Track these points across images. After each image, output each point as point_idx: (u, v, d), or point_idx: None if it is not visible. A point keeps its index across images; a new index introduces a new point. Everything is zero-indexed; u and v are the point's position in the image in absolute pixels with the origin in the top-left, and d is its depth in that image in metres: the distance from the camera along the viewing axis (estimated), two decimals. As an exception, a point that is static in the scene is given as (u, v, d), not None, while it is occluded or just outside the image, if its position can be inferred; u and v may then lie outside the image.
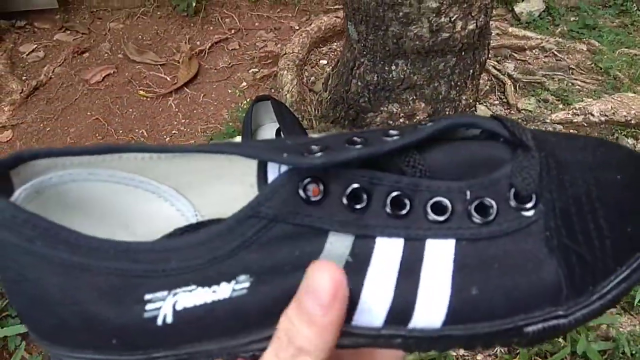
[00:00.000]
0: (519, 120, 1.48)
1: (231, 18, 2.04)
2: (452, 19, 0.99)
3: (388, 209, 0.23)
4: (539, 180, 0.24)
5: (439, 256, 0.23)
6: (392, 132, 0.25)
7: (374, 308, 0.23)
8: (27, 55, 1.89)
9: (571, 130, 1.45)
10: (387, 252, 0.23)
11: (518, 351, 0.97)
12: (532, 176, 0.24)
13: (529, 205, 0.24)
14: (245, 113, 1.11)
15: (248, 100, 1.65)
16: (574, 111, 1.45)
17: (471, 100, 1.21)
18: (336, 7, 2.02)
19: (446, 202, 0.24)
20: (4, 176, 0.24)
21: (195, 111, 1.65)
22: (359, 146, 0.24)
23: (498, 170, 0.24)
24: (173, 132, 1.58)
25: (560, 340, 0.98)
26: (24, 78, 1.78)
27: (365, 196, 0.23)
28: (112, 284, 0.23)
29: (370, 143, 0.24)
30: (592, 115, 1.42)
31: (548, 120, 1.46)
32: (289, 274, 0.23)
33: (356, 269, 0.23)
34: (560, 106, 1.53)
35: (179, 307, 0.23)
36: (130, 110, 1.66)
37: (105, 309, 0.23)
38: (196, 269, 0.23)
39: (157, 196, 0.30)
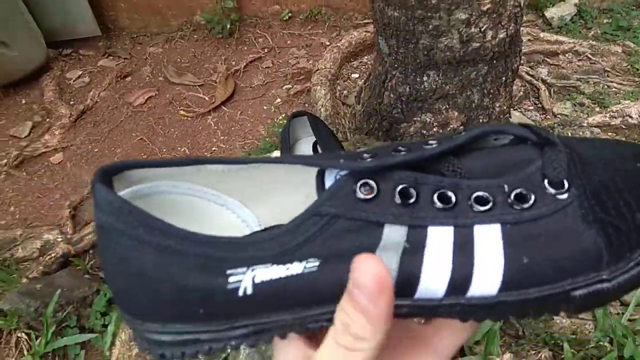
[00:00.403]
0: (556, 125, 1.47)
1: (264, 37, 2.11)
2: (482, 29, 1.01)
3: (436, 203, 0.27)
4: (568, 169, 0.27)
5: (488, 237, 0.26)
6: (431, 141, 0.29)
7: (434, 282, 0.26)
8: (73, 81, 2.00)
9: (609, 134, 1.43)
10: (440, 237, 0.26)
11: (563, 356, 0.96)
12: (562, 166, 0.27)
13: (563, 190, 0.27)
14: (282, 128, 1.15)
15: (283, 115, 1.70)
16: (612, 114, 1.43)
17: (505, 107, 1.22)
18: (365, 21, 2.05)
19: (487, 195, 0.27)
20: (107, 181, 0.28)
21: (233, 128, 1.71)
22: (403, 153, 0.28)
23: (530, 166, 0.28)
24: (213, 149, 1.64)
25: (607, 344, 0.96)
26: (71, 103, 1.88)
27: (414, 193, 0.27)
28: (199, 263, 0.26)
29: (413, 150, 0.28)
30: (631, 117, 1.39)
31: (585, 124, 1.45)
32: (352, 258, 0.25)
33: (414, 252, 0.26)
34: (597, 109, 1.51)
35: (257, 280, 0.26)
36: (172, 129, 1.73)
37: (194, 281, 0.26)
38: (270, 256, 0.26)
39: (226, 208, 0.34)
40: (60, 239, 1.32)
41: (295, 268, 0.26)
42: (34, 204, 1.49)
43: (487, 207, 0.26)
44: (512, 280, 0.26)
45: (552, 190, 0.27)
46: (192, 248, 0.26)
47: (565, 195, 0.27)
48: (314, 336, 0.30)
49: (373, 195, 0.26)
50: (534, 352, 1.00)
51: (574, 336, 0.99)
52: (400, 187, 0.27)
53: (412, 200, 0.27)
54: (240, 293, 0.26)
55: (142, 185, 0.30)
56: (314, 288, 0.26)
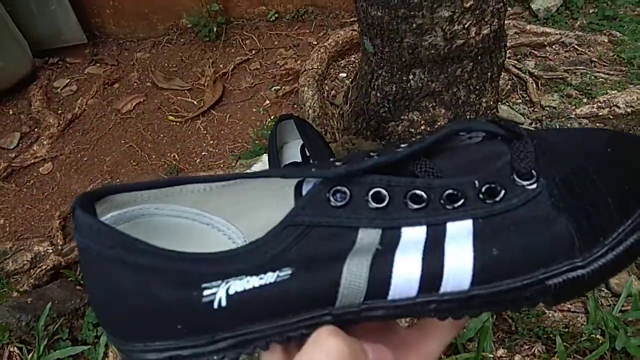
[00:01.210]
0: (544, 118, 1.47)
1: (251, 39, 2.10)
2: (466, 26, 1.00)
3: (409, 204, 0.27)
4: (536, 159, 0.28)
5: (459, 232, 0.27)
6: (402, 145, 0.30)
7: (406, 282, 0.26)
8: (61, 90, 1.99)
9: (597, 124, 1.43)
10: (413, 236, 0.27)
11: (556, 350, 0.96)
12: (529, 157, 0.28)
13: (531, 180, 0.27)
14: (269, 132, 1.14)
15: (272, 118, 1.69)
16: (599, 104, 1.43)
17: (492, 103, 1.21)
18: (352, 19, 2.05)
19: (458, 192, 0.27)
20: (88, 206, 0.28)
21: (222, 132, 1.70)
22: (374, 158, 0.28)
23: (499, 160, 0.28)
24: (203, 153, 1.63)
25: (599, 337, 0.96)
26: (59, 112, 1.87)
27: (386, 195, 0.27)
28: (175, 279, 0.27)
29: (384, 154, 0.29)
30: (618, 107, 1.39)
31: (573, 116, 1.45)
32: (327, 263, 0.26)
33: (385, 253, 0.27)
34: (585, 100, 1.51)
35: (231, 292, 0.27)
36: (162, 135, 1.72)
37: (170, 296, 0.27)
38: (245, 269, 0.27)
39: (211, 227, 0.34)
40: (50, 251, 1.31)
41: (269, 278, 0.26)
42: (24, 216, 1.48)
43: (458, 204, 0.27)
44: (483, 273, 0.26)
45: (521, 182, 0.27)
46: (168, 264, 0.27)
47: (534, 186, 0.27)
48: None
49: (346, 201, 0.27)
50: (527, 346, 1.00)
51: (566, 330, 1.00)
52: (372, 190, 0.27)
53: (385, 203, 0.27)
54: (215, 305, 0.27)
55: (125, 209, 0.31)
56: (287, 296, 0.27)
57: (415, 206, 0.27)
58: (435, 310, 0.27)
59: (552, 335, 0.99)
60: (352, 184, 0.28)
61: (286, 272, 0.27)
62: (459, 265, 0.26)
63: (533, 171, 0.27)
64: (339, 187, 0.27)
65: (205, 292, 0.27)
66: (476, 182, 0.28)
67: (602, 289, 1.07)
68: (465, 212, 0.27)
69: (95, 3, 2.13)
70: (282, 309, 0.27)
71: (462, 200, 0.27)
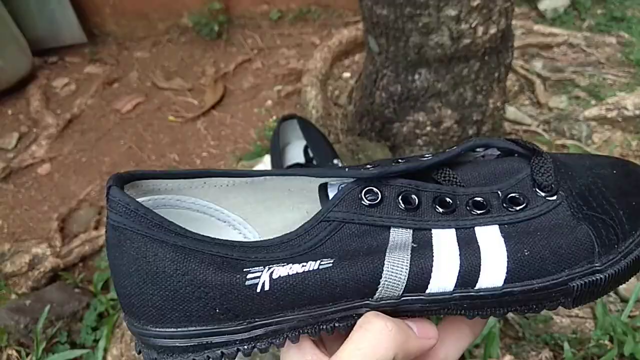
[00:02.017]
0: (552, 120, 1.45)
1: (253, 38, 2.08)
2: (473, 25, 0.98)
3: (437, 208, 0.29)
4: (555, 174, 0.30)
5: (489, 235, 0.29)
6: (426, 155, 0.32)
7: (445, 276, 0.28)
8: (60, 89, 1.97)
9: (606, 126, 1.41)
10: (444, 237, 0.29)
11: (564, 356, 0.94)
12: (549, 171, 0.30)
13: (552, 192, 0.30)
14: (272, 132, 1.12)
15: (274, 118, 1.67)
16: (607, 106, 1.41)
17: (499, 104, 1.19)
18: (356, 19, 2.03)
19: (483, 200, 0.30)
20: (121, 187, 0.29)
21: (223, 132, 1.68)
22: (402, 163, 0.30)
23: (519, 174, 0.31)
24: (203, 154, 1.61)
25: (607, 342, 0.95)
26: (58, 112, 1.85)
27: (415, 199, 0.29)
28: (218, 262, 0.27)
29: (411, 161, 0.31)
30: (626, 109, 1.37)
31: (581, 118, 1.43)
32: (366, 256, 0.28)
33: (423, 250, 0.28)
34: (593, 102, 1.49)
35: (275, 276, 0.27)
36: (162, 136, 1.70)
37: (212, 276, 0.27)
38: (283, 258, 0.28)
39: (228, 224, 0.35)
40: (49, 253, 1.29)
41: (311, 265, 0.28)
42: (22, 217, 1.46)
43: (484, 210, 0.29)
44: (515, 272, 0.28)
45: (542, 194, 0.30)
46: (210, 248, 0.27)
47: (554, 197, 0.29)
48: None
49: (377, 201, 0.29)
50: (534, 352, 0.99)
51: (574, 335, 0.98)
52: (402, 193, 0.29)
53: (414, 206, 0.29)
54: (259, 289, 0.27)
55: (149, 197, 0.31)
56: (330, 283, 0.28)
57: (444, 210, 0.29)
58: (467, 307, 0.29)
59: (559, 341, 0.97)
60: (382, 186, 0.29)
61: (328, 262, 0.28)
62: (494, 263, 0.28)
63: (552, 185, 0.30)
64: (371, 188, 0.29)
65: (249, 276, 0.27)
66: (499, 192, 0.30)
67: (610, 294, 1.05)
68: (492, 217, 0.29)
69: (94, 2, 2.11)
70: (323, 296, 0.28)
71: (487, 208, 0.29)
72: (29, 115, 1.83)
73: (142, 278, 0.27)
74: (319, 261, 0.28)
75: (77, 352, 1.10)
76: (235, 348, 0.28)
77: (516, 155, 0.33)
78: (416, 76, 1.11)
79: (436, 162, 0.31)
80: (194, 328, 0.28)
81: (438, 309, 0.29)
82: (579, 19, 1.90)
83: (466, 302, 0.29)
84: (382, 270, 0.28)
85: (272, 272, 0.27)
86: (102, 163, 1.62)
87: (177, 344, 0.28)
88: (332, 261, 0.28)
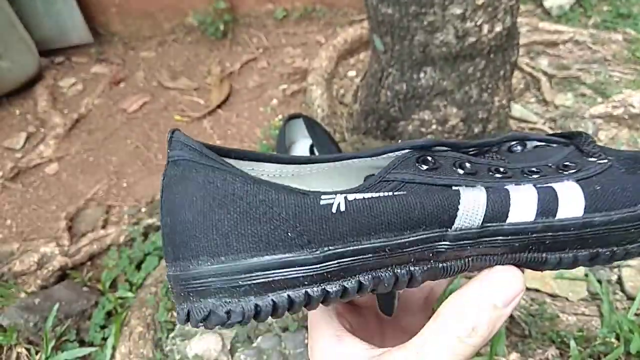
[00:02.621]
0: (557, 117, 1.44)
1: (258, 38, 2.08)
2: (478, 23, 0.98)
3: (494, 175, 0.30)
4: (599, 146, 0.32)
5: (560, 182, 0.29)
6: (465, 140, 0.32)
7: (524, 204, 0.28)
8: (67, 89, 1.98)
9: (612, 124, 1.41)
10: (517, 186, 0.29)
11: (570, 354, 0.94)
12: (594, 142, 0.32)
13: (602, 157, 0.31)
14: (277, 131, 1.13)
15: (280, 117, 1.67)
16: (614, 104, 1.41)
17: (504, 102, 1.19)
18: (361, 17, 2.03)
19: (536, 169, 0.30)
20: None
21: (229, 132, 1.69)
22: (450, 140, 0.31)
23: (565, 151, 0.32)
24: (209, 153, 1.62)
25: (613, 340, 0.95)
26: (65, 112, 1.86)
27: (470, 167, 0.29)
28: (289, 189, 0.27)
29: (456, 141, 0.31)
30: (633, 106, 1.37)
31: (587, 116, 1.42)
32: (443, 190, 0.28)
33: (499, 189, 0.29)
34: (599, 99, 1.48)
35: (350, 199, 0.27)
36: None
37: (285, 197, 0.26)
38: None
39: None
40: (57, 252, 1.31)
41: (385, 193, 0.27)
42: (31, 216, 1.48)
43: (539, 175, 0.30)
44: (592, 201, 0.28)
45: (592, 159, 0.31)
46: (282, 181, 0.28)
47: (605, 160, 0.30)
48: (353, 309, 0.32)
49: (434, 167, 0.29)
50: (540, 350, 0.99)
51: (580, 333, 0.98)
52: (457, 161, 0.29)
53: (473, 171, 0.29)
54: (334, 209, 0.26)
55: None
56: (407, 206, 0.27)
57: (501, 175, 0.29)
58: (550, 243, 0.29)
59: (566, 339, 0.97)
60: (437, 156, 0.29)
61: (401, 191, 0.27)
62: (571, 193, 0.28)
63: (600, 152, 0.31)
64: (426, 157, 0.29)
65: (323, 197, 0.26)
66: (550, 164, 0.31)
67: (617, 292, 1.05)
68: (550, 178, 0.30)
69: (101, 2, 2.12)
70: (399, 221, 0.27)
71: (542, 173, 0.30)
72: (37, 115, 1.84)
73: (209, 203, 0.26)
74: (392, 191, 0.27)
75: (86, 350, 1.11)
76: (304, 291, 0.26)
77: (555, 146, 0.33)
78: (421, 74, 1.11)
79: (483, 143, 0.31)
80: (261, 258, 0.25)
81: (520, 245, 0.29)
82: (584, 16, 1.90)
83: (548, 235, 0.28)
84: (460, 197, 0.28)
85: (346, 196, 0.27)
86: (110, 162, 1.63)
87: (240, 283, 0.25)
88: (405, 192, 0.27)
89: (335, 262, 0.26)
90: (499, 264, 0.29)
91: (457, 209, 0.27)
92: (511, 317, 1.02)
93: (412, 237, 0.27)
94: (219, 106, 1.78)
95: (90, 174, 1.59)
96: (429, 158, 0.29)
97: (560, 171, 0.30)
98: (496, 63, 1.09)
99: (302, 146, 1.11)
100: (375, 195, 0.27)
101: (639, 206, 0.29)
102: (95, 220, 1.43)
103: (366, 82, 1.31)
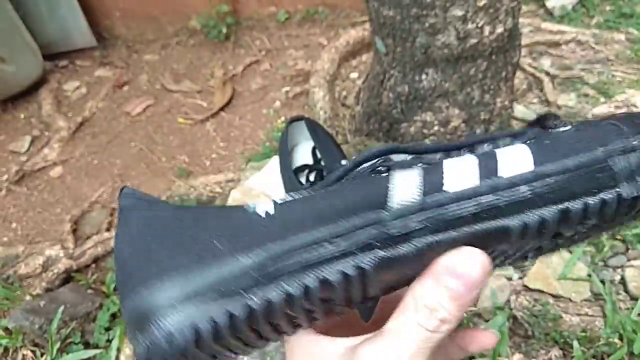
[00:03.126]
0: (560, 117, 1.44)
1: (261, 40, 2.09)
2: (479, 25, 0.99)
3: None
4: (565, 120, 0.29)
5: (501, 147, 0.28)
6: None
7: (462, 169, 0.26)
8: (71, 93, 1.99)
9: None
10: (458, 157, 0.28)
11: (573, 354, 0.94)
12: (557, 117, 0.29)
13: (564, 124, 0.28)
14: (280, 134, 1.13)
15: (282, 119, 1.68)
16: (616, 104, 1.40)
17: (506, 102, 1.19)
18: (363, 19, 2.03)
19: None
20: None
21: (232, 134, 1.69)
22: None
23: (528, 132, 0.29)
24: (213, 156, 1.63)
25: (617, 341, 0.94)
26: (69, 115, 1.87)
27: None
28: (220, 206, 0.30)
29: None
30: (635, 106, 1.37)
31: (590, 116, 1.42)
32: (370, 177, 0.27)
33: (434, 164, 0.27)
34: (602, 99, 1.48)
35: (279, 202, 0.27)
36: (171, 138, 1.72)
37: (215, 213, 0.28)
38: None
39: None
40: (62, 255, 1.31)
41: (317, 190, 0.27)
42: (36, 219, 1.49)
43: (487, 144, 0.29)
44: (541, 153, 0.25)
45: (558, 129, 0.27)
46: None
47: (568, 127, 0.27)
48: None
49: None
50: (543, 351, 0.99)
51: (583, 334, 0.98)
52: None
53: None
54: (263, 214, 0.26)
55: None
56: (337, 196, 0.26)
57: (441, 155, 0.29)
58: (506, 208, 0.25)
59: (569, 340, 0.97)
60: (391, 164, 0.28)
61: (333, 188, 0.27)
62: (516, 151, 0.26)
63: (562, 121, 0.28)
64: (381, 166, 0.28)
65: (250, 205, 0.26)
66: (508, 139, 0.29)
67: (620, 292, 1.05)
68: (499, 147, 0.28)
69: (104, 6, 2.13)
70: (331, 210, 0.25)
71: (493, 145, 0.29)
72: (41, 118, 1.86)
73: (144, 236, 0.26)
74: (323, 190, 0.27)
75: (91, 352, 1.11)
76: (244, 302, 0.24)
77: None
78: (423, 76, 1.11)
79: (451, 146, 0.29)
80: (210, 269, 0.24)
81: (475, 215, 0.25)
82: (587, 16, 1.89)
83: (500, 196, 0.25)
84: (390, 176, 0.26)
85: (275, 200, 0.26)
86: (114, 165, 1.64)
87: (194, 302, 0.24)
88: (336, 187, 0.27)
89: (271, 263, 0.24)
90: (458, 245, 0.26)
91: (387, 187, 0.26)
92: (514, 317, 1.02)
93: (347, 223, 0.25)
94: (222, 109, 1.79)
95: (94, 176, 1.61)
96: (382, 168, 0.28)
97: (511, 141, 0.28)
98: (498, 64, 1.09)
99: (304, 149, 1.12)
100: (307, 194, 0.27)
101: (599, 149, 0.25)
102: (100, 222, 1.44)
103: (368, 84, 1.31)
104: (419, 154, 0.29)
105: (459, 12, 0.96)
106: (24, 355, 1.13)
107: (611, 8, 1.91)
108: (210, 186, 1.44)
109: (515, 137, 0.29)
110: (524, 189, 0.25)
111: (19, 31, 1.87)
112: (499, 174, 0.25)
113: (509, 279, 1.08)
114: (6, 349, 1.14)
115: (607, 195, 0.25)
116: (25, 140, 1.76)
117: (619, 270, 1.08)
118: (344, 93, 1.69)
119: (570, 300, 1.04)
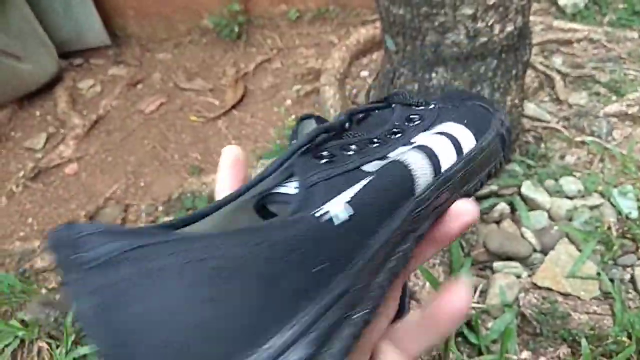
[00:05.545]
0: (571, 116, 1.44)
1: (272, 38, 2.10)
2: (489, 24, 0.99)
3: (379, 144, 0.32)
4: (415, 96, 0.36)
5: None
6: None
7: (448, 152, 0.31)
8: (86, 91, 2.02)
9: (627, 122, 1.40)
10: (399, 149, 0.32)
11: (582, 352, 0.94)
12: (416, 96, 0.36)
13: (429, 104, 0.36)
14: (291, 131, 1.15)
15: (293, 117, 1.69)
16: (628, 102, 1.40)
17: (517, 101, 1.19)
18: (374, 17, 2.04)
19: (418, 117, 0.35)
20: None
21: (243, 132, 1.71)
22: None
23: (398, 110, 0.35)
24: (224, 153, 1.64)
25: (625, 339, 0.94)
26: (84, 113, 1.90)
27: (353, 147, 0.30)
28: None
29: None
30: (648, 105, 1.36)
31: (601, 114, 1.41)
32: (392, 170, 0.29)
33: (429, 150, 0.31)
34: (614, 98, 1.47)
35: (346, 200, 0.26)
36: (184, 135, 1.74)
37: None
38: None
39: None
40: (76, 249, 1.34)
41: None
42: (51, 215, 1.51)
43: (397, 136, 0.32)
44: (476, 131, 0.33)
45: (422, 107, 0.35)
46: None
47: (432, 106, 0.35)
48: None
49: (330, 155, 0.29)
50: (552, 349, 0.99)
51: (592, 332, 0.98)
52: (341, 146, 0.30)
53: (359, 149, 0.30)
54: (336, 221, 0.25)
55: None
56: (379, 190, 0.27)
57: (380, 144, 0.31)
58: (469, 173, 0.31)
59: (577, 338, 0.97)
60: (323, 148, 0.29)
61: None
62: (465, 132, 0.33)
63: (424, 102, 0.35)
64: (317, 152, 0.29)
65: (317, 211, 0.23)
66: (396, 122, 0.34)
67: (630, 290, 1.05)
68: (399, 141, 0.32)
69: (118, 5, 2.16)
70: (390, 202, 0.26)
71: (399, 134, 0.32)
72: (56, 116, 1.89)
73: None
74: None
75: (105, 345, 1.13)
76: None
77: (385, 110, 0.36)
78: (433, 75, 1.11)
79: (333, 125, 0.31)
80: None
81: (464, 181, 0.31)
82: (599, 13, 1.88)
83: (469, 167, 0.31)
84: (407, 166, 0.28)
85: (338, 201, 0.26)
86: (127, 162, 1.67)
87: None
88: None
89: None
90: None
91: (412, 176, 0.27)
92: (522, 315, 1.03)
93: (399, 215, 0.26)
94: (233, 107, 1.80)
95: (108, 173, 1.63)
96: (321, 153, 0.28)
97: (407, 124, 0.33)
98: (508, 62, 1.10)
99: (314, 146, 1.13)
100: (358, 186, 0.25)
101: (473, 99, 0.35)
102: (114, 218, 1.47)
103: (378, 82, 1.32)
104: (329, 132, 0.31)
105: (469, 11, 0.97)
106: (39, 347, 1.15)
107: (624, 6, 1.89)
108: (221, 183, 1.45)
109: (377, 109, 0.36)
110: (477, 158, 0.32)
111: (35, 30, 1.90)
112: (462, 152, 0.32)
113: (518, 276, 1.09)
114: (22, 341, 1.17)
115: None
116: (41, 137, 1.80)
117: (628, 269, 1.08)
118: (355, 91, 1.70)
119: (579, 298, 1.04)
